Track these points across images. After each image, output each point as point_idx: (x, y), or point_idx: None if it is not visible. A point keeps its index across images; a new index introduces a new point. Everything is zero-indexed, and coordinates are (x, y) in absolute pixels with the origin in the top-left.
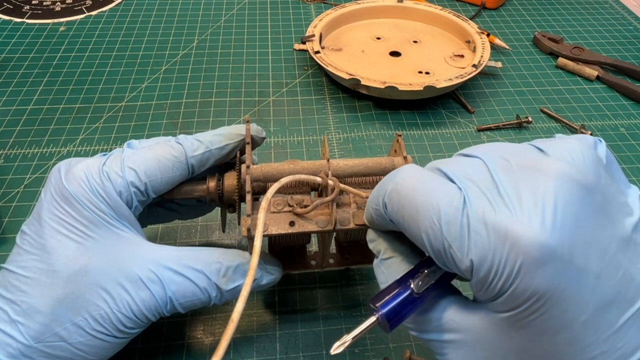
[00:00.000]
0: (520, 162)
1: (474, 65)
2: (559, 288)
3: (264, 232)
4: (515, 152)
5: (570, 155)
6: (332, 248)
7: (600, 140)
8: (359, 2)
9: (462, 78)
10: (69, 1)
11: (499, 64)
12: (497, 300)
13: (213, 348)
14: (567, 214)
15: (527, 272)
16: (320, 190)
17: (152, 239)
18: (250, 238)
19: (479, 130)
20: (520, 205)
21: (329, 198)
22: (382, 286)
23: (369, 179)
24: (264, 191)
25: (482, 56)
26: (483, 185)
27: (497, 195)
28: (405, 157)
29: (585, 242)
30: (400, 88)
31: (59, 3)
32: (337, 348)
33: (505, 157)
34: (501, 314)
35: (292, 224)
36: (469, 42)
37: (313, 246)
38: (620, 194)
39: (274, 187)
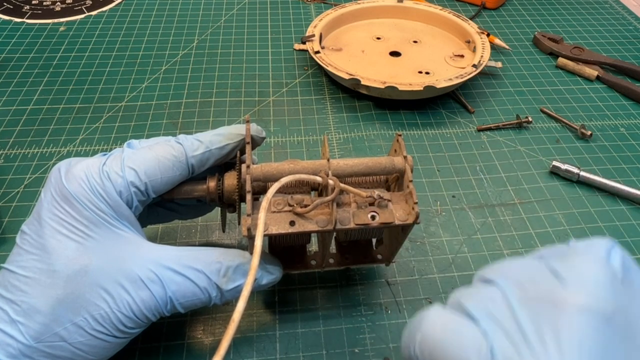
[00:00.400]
0: (537, 292)
1: (474, 65)
2: None
3: (264, 231)
4: (531, 278)
5: (586, 283)
6: (332, 248)
7: (613, 247)
8: (359, 2)
9: (462, 78)
10: (69, 1)
11: (499, 64)
12: None
13: (213, 348)
14: (594, 355)
15: None
16: (320, 190)
17: (152, 239)
18: (251, 238)
19: (479, 130)
20: (545, 349)
21: (329, 198)
22: None
23: (369, 178)
24: (264, 191)
25: (482, 56)
26: (507, 324)
27: (520, 338)
28: (405, 157)
29: None
30: (400, 88)
31: (59, 3)
32: None
33: (523, 284)
34: None
35: (292, 223)
36: (469, 42)
37: (313, 246)
38: None
39: (274, 187)
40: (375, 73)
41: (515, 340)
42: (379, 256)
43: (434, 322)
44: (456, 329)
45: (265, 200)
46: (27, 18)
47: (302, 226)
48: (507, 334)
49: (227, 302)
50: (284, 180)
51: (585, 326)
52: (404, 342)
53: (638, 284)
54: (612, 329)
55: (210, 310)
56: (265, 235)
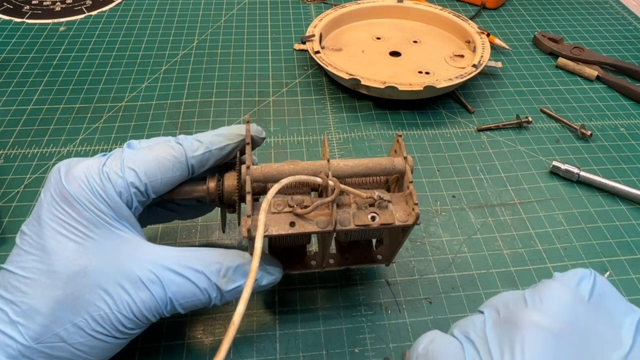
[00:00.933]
0: (505, 315)
1: (474, 65)
2: None
3: (264, 232)
4: (506, 304)
5: (544, 304)
6: (332, 248)
7: (589, 275)
8: (359, 2)
9: (462, 78)
10: (69, 1)
11: (499, 64)
12: None
13: (213, 348)
14: None
15: None
16: (320, 190)
17: (152, 239)
18: (251, 239)
19: (479, 130)
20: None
21: (329, 199)
22: None
23: (369, 179)
24: (264, 191)
25: (482, 56)
26: (477, 343)
27: (486, 353)
28: (405, 158)
29: None
30: (400, 88)
31: (59, 3)
32: None
33: (499, 309)
34: None
35: (292, 224)
36: (469, 42)
37: (313, 246)
38: (609, 327)
39: (274, 189)
40: (375, 73)
41: (481, 354)
42: (379, 256)
43: (429, 341)
44: (444, 346)
45: (265, 202)
46: (27, 18)
47: (302, 227)
48: (477, 351)
49: (227, 303)
50: (284, 181)
51: (535, 340)
52: (408, 357)
53: (607, 308)
54: (563, 344)
55: (210, 310)
56: (265, 236)
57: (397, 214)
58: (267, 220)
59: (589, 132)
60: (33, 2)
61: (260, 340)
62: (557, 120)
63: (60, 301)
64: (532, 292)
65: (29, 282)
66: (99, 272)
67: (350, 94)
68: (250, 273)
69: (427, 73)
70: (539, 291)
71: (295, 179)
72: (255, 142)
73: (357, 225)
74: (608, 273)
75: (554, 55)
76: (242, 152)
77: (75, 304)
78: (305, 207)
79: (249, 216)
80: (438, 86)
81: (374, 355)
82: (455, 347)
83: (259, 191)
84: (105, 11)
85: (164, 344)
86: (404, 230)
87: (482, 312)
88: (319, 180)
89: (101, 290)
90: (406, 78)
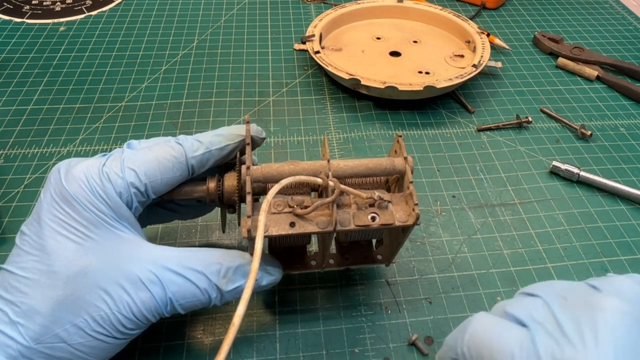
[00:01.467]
0: (576, 300)
1: (474, 65)
2: None
3: (264, 233)
4: (571, 290)
5: (622, 291)
6: (332, 248)
7: None
8: (359, 2)
9: (462, 78)
10: (69, 1)
11: (499, 64)
12: None
13: (213, 348)
14: (626, 348)
15: None
16: (320, 191)
17: (152, 239)
18: (251, 239)
19: (479, 130)
20: (583, 342)
21: (329, 199)
22: None
23: (370, 179)
24: (264, 192)
25: (482, 56)
26: (547, 324)
27: (560, 334)
28: (405, 158)
29: None
30: (400, 88)
31: (59, 3)
32: None
33: (563, 294)
34: None
35: (292, 225)
36: (469, 42)
37: (313, 246)
38: None
39: (274, 189)
40: (375, 73)
41: (555, 335)
42: (379, 256)
43: (481, 323)
44: (500, 328)
45: (265, 202)
46: (27, 18)
47: (302, 227)
48: (547, 331)
49: (227, 303)
50: (284, 182)
51: (620, 324)
52: (447, 345)
53: None
54: None
55: (210, 310)
56: (265, 237)
57: (397, 214)
58: (267, 220)
59: (589, 132)
60: (33, 2)
61: (260, 340)
62: (557, 120)
63: (60, 301)
64: (599, 282)
65: (29, 283)
66: (99, 273)
67: (350, 94)
68: (250, 274)
69: (427, 73)
70: (609, 282)
71: (295, 180)
72: (255, 143)
73: (357, 226)
74: None
75: (554, 55)
76: (242, 153)
77: (75, 305)
78: (306, 207)
79: (249, 217)
80: (438, 86)
81: (374, 355)
82: (515, 330)
83: (259, 191)
84: (105, 11)
85: (164, 344)
86: (404, 230)
87: (535, 296)
88: (319, 180)
89: (101, 291)
90: (406, 78)
